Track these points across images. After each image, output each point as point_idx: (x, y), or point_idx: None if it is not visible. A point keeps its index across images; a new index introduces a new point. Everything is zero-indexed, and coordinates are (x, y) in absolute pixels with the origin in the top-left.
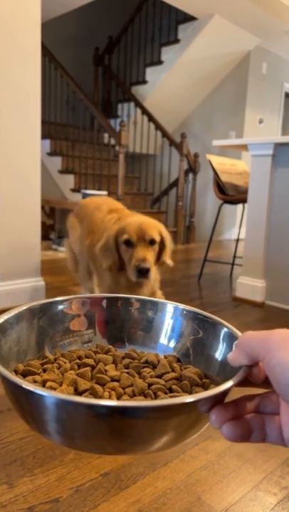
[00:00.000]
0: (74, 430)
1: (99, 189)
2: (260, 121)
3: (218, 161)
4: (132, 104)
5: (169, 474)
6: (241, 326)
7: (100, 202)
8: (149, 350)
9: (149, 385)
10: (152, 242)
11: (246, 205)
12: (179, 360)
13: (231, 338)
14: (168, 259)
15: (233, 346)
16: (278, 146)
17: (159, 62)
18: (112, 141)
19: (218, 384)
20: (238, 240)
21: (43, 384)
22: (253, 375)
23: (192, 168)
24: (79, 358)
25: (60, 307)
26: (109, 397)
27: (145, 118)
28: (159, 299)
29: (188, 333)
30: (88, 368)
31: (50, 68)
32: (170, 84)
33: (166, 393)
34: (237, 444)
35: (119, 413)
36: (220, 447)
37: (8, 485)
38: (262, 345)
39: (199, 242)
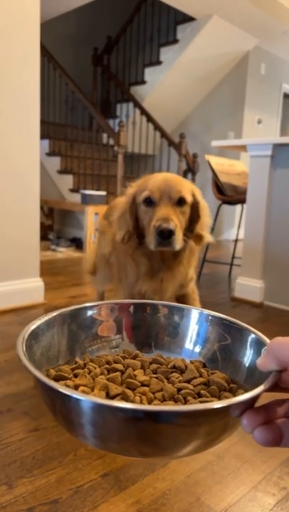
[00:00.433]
0: (110, 434)
1: (98, 189)
2: (259, 122)
3: (217, 162)
4: (131, 105)
5: (169, 475)
6: None
7: None
8: (174, 355)
9: (178, 389)
10: (181, 201)
11: (245, 205)
12: (204, 366)
13: (259, 344)
14: (205, 232)
15: (262, 352)
16: (277, 147)
17: (158, 62)
18: (111, 142)
19: (245, 389)
20: (236, 241)
21: (75, 389)
22: (282, 380)
23: (191, 169)
24: (108, 363)
25: (90, 313)
26: (141, 402)
27: (144, 118)
28: (191, 296)
29: (214, 338)
30: (118, 373)
31: (49, 68)
32: (169, 84)
33: (195, 398)
34: (236, 445)
35: (157, 417)
36: (219, 448)
37: (8, 486)
38: None
39: None
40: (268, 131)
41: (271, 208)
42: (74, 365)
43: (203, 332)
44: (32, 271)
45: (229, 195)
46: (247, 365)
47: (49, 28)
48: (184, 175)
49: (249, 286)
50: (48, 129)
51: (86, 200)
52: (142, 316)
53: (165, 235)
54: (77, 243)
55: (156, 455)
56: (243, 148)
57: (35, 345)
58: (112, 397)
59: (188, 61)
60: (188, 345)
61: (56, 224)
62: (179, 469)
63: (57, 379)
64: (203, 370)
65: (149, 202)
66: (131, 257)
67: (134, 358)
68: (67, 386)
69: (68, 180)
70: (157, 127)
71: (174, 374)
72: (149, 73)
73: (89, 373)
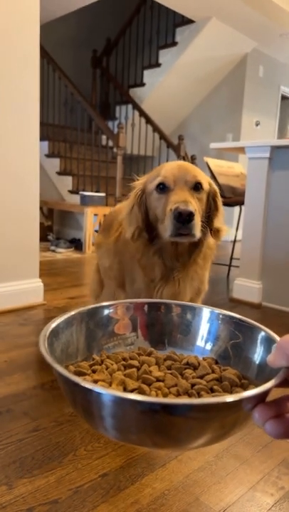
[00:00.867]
0: (128, 425)
1: (97, 191)
2: (257, 124)
3: (215, 164)
4: (130, 107)
5: (167, 475)
6: None
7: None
8: (187, 352)
9: (192, 385)
10: (198, 187)
11: (243, 207)
12: (216, 362)
13: (269, 341)
14: (223, 225)
15: (272, 349)
16: (274, 149)
17: (157, 64)
18: (110, 143)
19: (256, 385)
20: (234, 242)
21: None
22: None
23: None
24: (124, 359)
25: (106, 312)
26: (156, 396)
27: (143, 120)
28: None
29: (225, 336)
30: (134, 369)
31: (49, 70)
32: (168, 86)
33: (208, 393)
34: (234, 445)
35: (174, 410)
36: (217, 448)
37: (8, 486)
38: None
39: None
40: (266, 133)
41: (269, 209)
42: (92, 362)
43: (215, 330)
44: (31, 272)
45: (228, 196)
46: (258, 361)
47: (49, 29)
48: None
49: (247, 287)
50: (48, 130)
51: (85, 201)
52: (155, 315)
53: (184, 219)
54: (77, 244)
55: (170, 446)
56: (242, 150)
57: (55, 343)
58: (130, 392)
59: (187, 63)
60: (200, 342)
61: (56, 225)
62: (178, 469)
63: (76, 375)
64: (215, 366)
65: (163, 188)
66: (139, 262)
67: (149, 354)
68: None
69: (68, 182)
70: (156, 129)
71: (187, 370)
72: (148, 75)
73: (106, 369)
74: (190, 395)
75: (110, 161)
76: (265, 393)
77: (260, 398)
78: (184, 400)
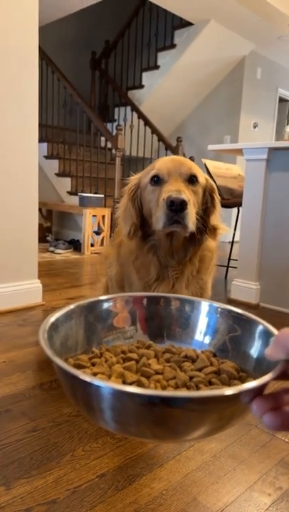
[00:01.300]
0: (128, 418)
1: (96, 192)
2: (255, 126)
3: (213, 165)
4: (129, 108)
5: (165, 475)
6: None
7: None
8: (186, 345)
9: (190, 377)
10: (192, 179)
11: (241, 208)
12: (215, 355)
13: (267, 335)
14: (220, 223)
15: (270, 342)
16: (272, 151)
17: (156, 66)
18: (109, 145)
19: (254, 378)
20: (232, 243)
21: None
22: None
23: None
24: (123, 352)
25: (106, 305)
26: (155, 389)
27: (141, 122)
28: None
29: (224, 329)
30: (133, 362)
31: (48, 72)
32: (166, 88)
33: (206, 386)
34: (232, 445)
35: (172, 403)
36: (215, 448)
37: (6, 486)
38: None
39: None
40: (264, 135)
41: (267, 210)
42: (91, 355)
43: (213, 323)
44: (30, 273)
45: (226, 198)
46: (256, 355)
47: (48, 31)
48: None
49: (245, 288)
50: (47, 132)
51: (84, 202)
52: (154, 309)
53: (176, 207)
54: (76, 245)
55: (169, 438)
56: (239, 152)
57: (55, 336)
58: (129, 385)
59: (186, 65)
60: (199, 336)
61: (54, 226)
62: (176, 469)
63: (75, 367)
64: (213, 359)
65: (157, 180)
66: (133, 264)
67: (148, 347)
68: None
69: (66, 183)
70: (154, 131)
71: (186, 363)
72: (147, 77)
73: (106, 362)
74: (188, 388)
75: (109, 163)
76: (263, 386)
77: (258, 391)
78: (183, 393)
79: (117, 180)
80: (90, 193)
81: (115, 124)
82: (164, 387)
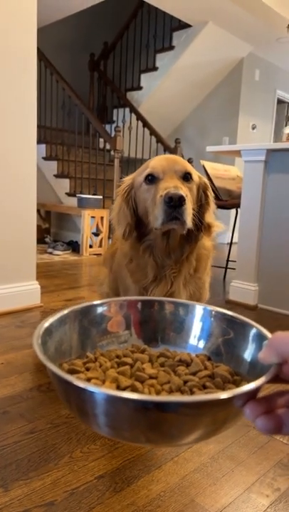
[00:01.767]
0: (121, 423)
1: (94, 193)
2: (253, 127)
3: (211, 167)
4: (127, 110)
5: (163, 477)
6: None
7: None
8: (180, 349)
9: (185, 382)
10: (187, 177)
11: (239, 209)
12: (209, 359)
13: (260, 338)
14: (215, 221)
15: (263, 345)
16: (270, 152)
17: (154, 68)
18: (108, 146)
19: (248, 381)
20: (231, 244)
21: (88, 381)
22: (283, 372)
23: None
24: (117, 357)
25: (100, 310)
26: (149, 394)
27: (140, 123)
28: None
29: (218, 333)
30: (127, 367)
31: (46, 73)
32: (165, 90)
33: (200, 390)
34: (230, 447)
35: (166, 408)
36: (213, 450)
37: (3, 488)
38: None
39: None
40: (262, 136)
41: (265, 212)
42: (85, 359)
43: (207, 327)
44: (28, 274)
45: (224, 199)
46: (249, 358)
47: (46, 33)
48: None
49: (243, 289)
50: (45, 133)
51: (83, 203)
52: (149, 312)
53: (175, 204)
54: (74, 246)
55: (163, 442)
56: (238, 153)
57: (49, 341)
58: (123, 389)
59: (184, 67)
60: (193, 339)
61: (53, 227)
62: (174, 471)
63: (70, 372)
64: (208, 363)
65: (152, 179)
66: (127, 267)
67: (143, 352)
68: (80, 379)
69: (65, 184)
70: (153, 132)
71: (180, 367)
72: (145, 79)
73: (100, 367)
74: (183, 392)
75: (107, 164)
76: (256, 390)
77: (251, 395)
78: (176, 398)
79: (115, 181)
80: (89, 194)
81: (114, 125)
82: (158, 392)
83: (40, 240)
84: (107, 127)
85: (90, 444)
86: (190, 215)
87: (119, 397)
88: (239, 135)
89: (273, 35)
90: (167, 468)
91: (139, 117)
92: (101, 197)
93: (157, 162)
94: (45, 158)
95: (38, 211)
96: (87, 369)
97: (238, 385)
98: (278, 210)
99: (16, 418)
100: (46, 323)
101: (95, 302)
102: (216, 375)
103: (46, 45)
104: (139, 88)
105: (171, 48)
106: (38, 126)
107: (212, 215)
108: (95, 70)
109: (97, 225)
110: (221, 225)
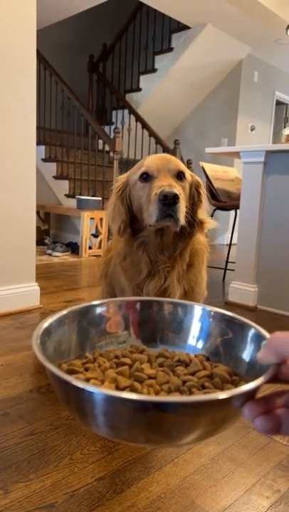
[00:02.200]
0: (120, 423)
1: (93, 195)
2: (252, 129)
3: (211, 168)
4: (126, 111)
5: (164, 478)
6: None
7: None
8: (179, 349)
9: (184, 382)
10: (180, 176)
11: (238, 211)
12: (208, 359)
13: (259, 338)
14: (207, 218)
15: (262, 346)
16: (269, 154)
17: (153, 70)
18: (107, 148)
19: (247, 381)
20: (230, 245)
21: (87, 382)
22: (282, 372)
23: None
24: (116, 357)
25: (99, 310)
26: (148, 394)
27: (139, 125)
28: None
29: (217, 333)
30: (126, 367)
31: (46, 75)
32: (164, 91)
33: (199, 390)
34: (230, 448)
35: (165, 408)
36: (213, 451)
37: (4, 490)
38: None
39: None
40: (261, 137)
41: (264, 213)
42: (84, 360)
43: (206, 327)
44: (28, 275)
45: (223, 201)
46: (248, 358)
47: (46, 35)
48: None
49: (243, 290)
50: (45, 135)
51: (82, 205)
52: (148, 313)
53: (169, 202)
54: (73, 248)
55: (162, 442)
56: (237, 154)
57: (48, 342)
58: (122, 390)
59: (183, 69)
60: (192, 340)
61: (52, 229)
62: (174, 473)
63: (69, 373)
64: (206, 363)
65: (146, 177)
66: (121, 265)
67: (141, 352)
68: (79, 379)
69: (64, 186)
70: (152, 134)
71: (179, 367)
72: (144, 80)
73: (99, 367)
74: (181, 392)
75: (107, 166)
76: (255, 390)
77: (250, 395)
78: (175, 398)
79: (114, 182)
80: (88, 195)
81: (113, 126)
82: (157, 392)
83: (40, 242)
84: (106, 129)
85: (90, 445)
86: (183, 213)
87: (118, 397)
88: (238, 136)
89: (272, 36)
90: (167, 469)
91: (138, 119)
92: (100, 198)
93: (152, 161)
94: (44, 160)
95: (38, 213)
96: (86, 369)
97: (236, 385)
98: (277, 211)
99: (15, 420)
100: (45, 324)
101: (94, 303)
102: (215, 375)
103: (45, 46)
104: (138, 90)
105: (170, 49)
106: (38, 128)
107: (204, 212)
108: (94, 72)
109: (97, 226)
110: (213, 221)
